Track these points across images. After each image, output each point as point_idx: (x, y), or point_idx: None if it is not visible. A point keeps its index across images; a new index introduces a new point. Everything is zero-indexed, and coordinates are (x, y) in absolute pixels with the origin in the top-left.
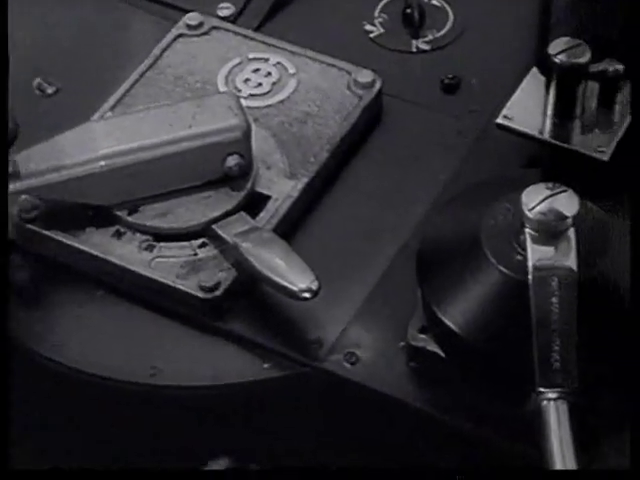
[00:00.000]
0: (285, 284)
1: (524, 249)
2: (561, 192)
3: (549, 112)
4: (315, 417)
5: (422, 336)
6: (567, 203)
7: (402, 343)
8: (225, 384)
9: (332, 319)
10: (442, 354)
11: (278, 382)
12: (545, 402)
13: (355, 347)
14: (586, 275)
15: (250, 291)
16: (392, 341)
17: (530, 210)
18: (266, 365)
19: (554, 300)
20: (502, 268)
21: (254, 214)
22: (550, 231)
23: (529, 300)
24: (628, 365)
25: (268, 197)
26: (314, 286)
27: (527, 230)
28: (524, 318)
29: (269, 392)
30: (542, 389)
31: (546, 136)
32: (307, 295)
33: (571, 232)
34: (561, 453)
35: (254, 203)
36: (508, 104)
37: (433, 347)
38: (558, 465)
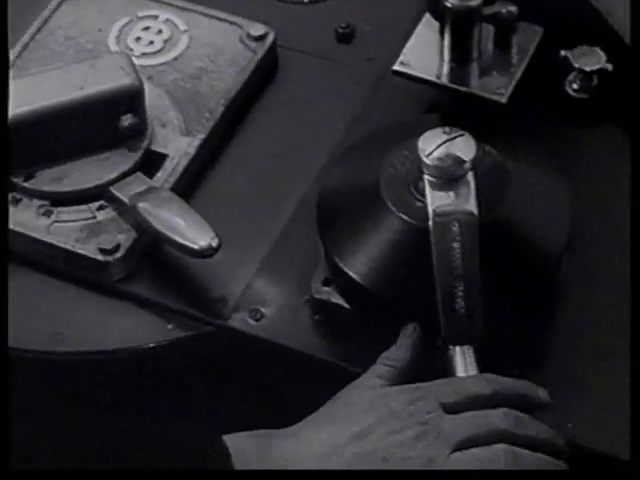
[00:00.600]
0: (185, 243)
1: (424, 196)
2: (458, 136)
3: (445, 57)
4: (223, 375)
5: (326, 288)
6: (464, 147)
7: (306, 297)
8: (130, 347)
9: (235, 276)
10: (346, 305)
11: (184, 342)
12: (451, 348)
13: (259, 303)
14: (486, 218)
15: (151, 252)
16: (296, 295)
17: (427, 156)
18: (170, 326)
19: (456, 245)
20: (402, 215)
21: (151, 174)
22: (448, 176)
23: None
24: (530, 307)
25: (165, 156)
26: (214, 243)
27: (425, 176)
28: (427, 265)
29: (175, 353)
30: (447, 335)
31: (444, 80)
32: (208, 252)
33: (470, 176)
34: None
35: (151, 162)
36: (404, 50)
37: (337, 299)
38: None
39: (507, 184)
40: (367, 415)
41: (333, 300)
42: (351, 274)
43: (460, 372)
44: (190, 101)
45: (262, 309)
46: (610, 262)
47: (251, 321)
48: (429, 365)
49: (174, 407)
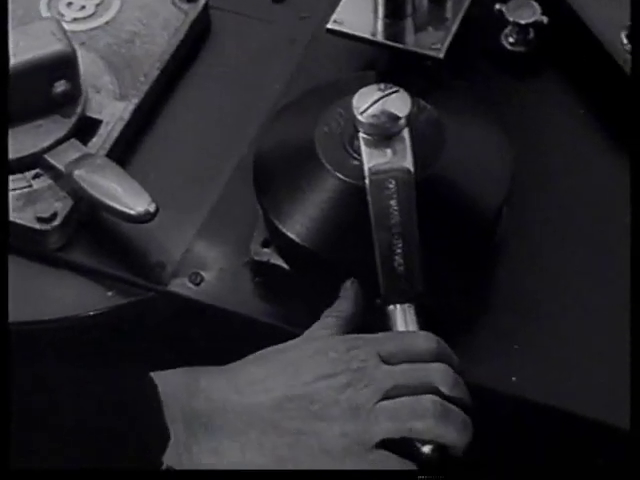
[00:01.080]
0: (122, 209)
1: (359, 154)
2: (393, 93)
3: (380, 13)
4: (165, 340)
5: (265, 250)
6: (399, 103)
7: (246, 259)
8: (71, 316)
9: (174, 241)
10: (286, 266)
11: (124, 309)
12: (391, 307)
13: (199, 267)
14: (423, 175)
15: (89, 219)
16: (236, 258)
17: (361, 113)
18: (110, 293)
19: (392, 203)
20: (338, 174)
21: (86, 140)
22: (383, 133)
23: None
24: (470, 263)
25: (99, 121)
26: (151, 208)
27: (361, 134)
28: (365, 223)
29: (117, 320)
30: (387, 294)
31: (378, 37)
32: (145, 218)
33: (406, 133)
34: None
35: (86, 129)
36: (338, 8)
37: (277, 260)
38: None
39: (443, 139)
40: (303, 360)
41: (273, 261)
42: (289, 235)
43: (400, 330)
44: (124, 66)
45: (202, 273)
46: (549, 215)
47: (191, 285)
48: (370, 324)
49: (117, 375)
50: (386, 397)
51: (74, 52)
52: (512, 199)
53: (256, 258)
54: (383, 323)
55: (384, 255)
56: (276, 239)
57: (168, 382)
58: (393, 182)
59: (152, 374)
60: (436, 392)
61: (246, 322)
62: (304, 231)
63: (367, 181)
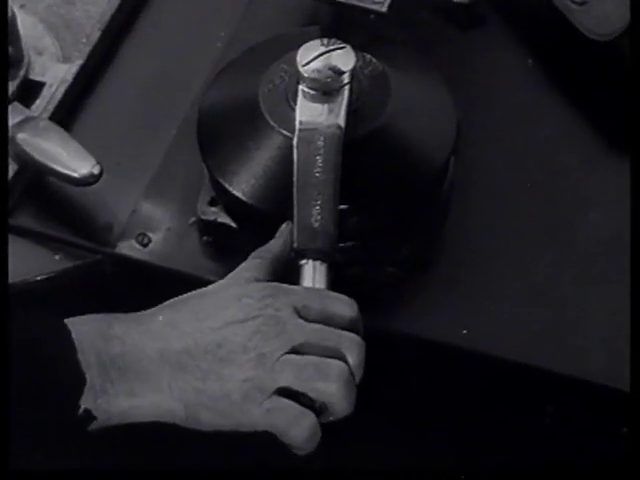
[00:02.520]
0: (66, 172)
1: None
2: (337, 48)
3: None
4: (115, 303)
5: (212, 209)
6: (344, 58)
7: (193, 219)
8: (19, 281)
9: (120, 203)
10: (234, 225)
11: (72, 272)
12: (303, 261)
13: (146, 228)
14: (369, 128)
15: (34, 183)
16: (183, 218)
17: (304, 66)
18: (58, 257)
19: (318, 159)
20: (282, 130)
21: (29, 103)
22: (324, 88)
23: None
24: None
25: (42, 84)
26: (96, 170)
27: (301, 87)
28: None
29: (65, 284)
30: (300, 248)
31: None
32: (90, 180)
33: (346, 90)
34: None
35: (28, 91)
36: None
37: (224, 219)
38: None
39: (389, 93)
40: (217, 306)
41: (220, 220)
42: (236, 193)
43: (307, 285)
44: (65, 27)
45: (149, 234)
46: (496, 166)
47: (138, 246)
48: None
49: (68, 339)
50: (294, 351)
51: (13, 15)
52: (459, 151)
53: (203, 217)
54: (294, 277)
55: (302, 209)
56: (223, 198)
57: (82, 328)
58: (322, 139)
59: (66, 321)
60: (344, 359)
61: (194, 281)
62: (250, 189)
63: (296, 134)
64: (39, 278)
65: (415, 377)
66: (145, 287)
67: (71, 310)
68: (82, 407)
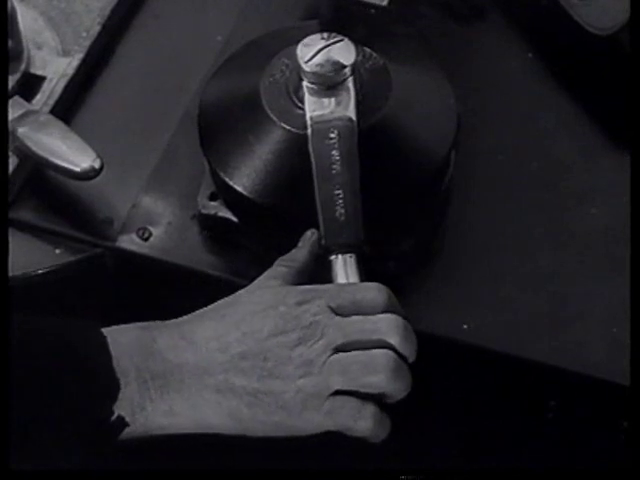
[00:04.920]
0: (67, 166)
1: (304, 103)
2: (337, 42)
3: None
4: (115, 297)
5: (213, 203)
6: (344, 52)
7: (193, 213)
8: (19, 274)
9: (121, 197)
10: (234, 219)
11: (73, 266)
12: (333, 256)
13: (146, 222)
14: (369, 122)
15: (34, 177)
16: (184, 212)
17: (306, 62)
18: (58, 251)
19: (334, 153)
20: (284, 124)
21: (30, 97)
22: (328, 82)
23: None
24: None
25: (43, 78)
26: (96, 164)
27: (305, 83)
28: (308, 172)
29: (65, 278)
30: (328, 243)
31: None
32: (90, 174)
33: (350, 82)
34: None
35: (29, 85)
36: None
37: (225, 213)
38: None
39: (390, 87)
40: (255, 315)
41: (220, 214)
42: (236, 187)
43: (341, 280)
44: (65, 21)
45: (150, 228)
46: (498, 159)
47: (139, 240)
48: (316, 274)
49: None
50: (339, 350)
51: (14, 9)
52: (460, 144)
53: (204, 211)
54: (324, 273)
55: (325, 205)
56: (223, 192)
57: (121, 339)
58: (335, 132)
59: (104, 330)
60: (387, 344)
61: (195, 275)
62: (251, 183)
63: (309, 130)
64: (39, 272)
65: (415, 372)
66: (145, 281)
67: (71, 304)
68: (116, 413)
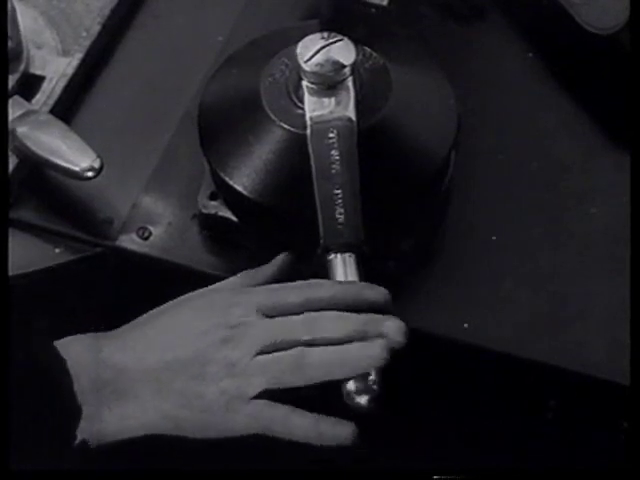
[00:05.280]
0: (66, 165)
1: (304, 103)
2: (337, 41)
3: None
4: (114, 298)
5: (213, 203)
6: (344, 52)
7: (194, 212)
8: (19, 273)
9: (121, 196)
10: (234, 219)
11: (73, 266)
12: (332, 256)
13: (147, 222)
14: (369, 122)
15: (34, 176)
16: (184, 212)
17: (306, 62)
18: (58, 250)
19: (334, 153)
20: (283, 124)
21: (30, 97)
22: (328, 82)
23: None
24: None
25: (42, 77)
26: (96, 164)
27: (305, 83)
28: (308, 172)
29: (65, 277)
30: (327, 243)
31: None
32: (90, 174)
33: (349, 82)
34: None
35: (29, 85)
36: None
37: (225, 213)
38: None
39: (390, 87)
40: (191, 318)
41: (221, 214)
42: (236, 187)
43: (341, 279)
44: (65, 21)
45: (150, 227)
46: (498, 159)
47: (139, 240)
48: (310, 274)
49: (66, 333)
50: (263, 352)
51: (13, 8)
52: (460, 144)
53: (204, 211)
54: (324, 272)
55: (325, 204)
56: (223, 192)
57: (74, 353)
58: (334, 132)
59: (56, 343)
60: (301, 342)
61: (195, 275)
62: (251, 183)
63: (308, 130)
64: (39, 271)
65: (415, 371)
66: (146, 281)
67: (71, 303)
68: (79, 438)
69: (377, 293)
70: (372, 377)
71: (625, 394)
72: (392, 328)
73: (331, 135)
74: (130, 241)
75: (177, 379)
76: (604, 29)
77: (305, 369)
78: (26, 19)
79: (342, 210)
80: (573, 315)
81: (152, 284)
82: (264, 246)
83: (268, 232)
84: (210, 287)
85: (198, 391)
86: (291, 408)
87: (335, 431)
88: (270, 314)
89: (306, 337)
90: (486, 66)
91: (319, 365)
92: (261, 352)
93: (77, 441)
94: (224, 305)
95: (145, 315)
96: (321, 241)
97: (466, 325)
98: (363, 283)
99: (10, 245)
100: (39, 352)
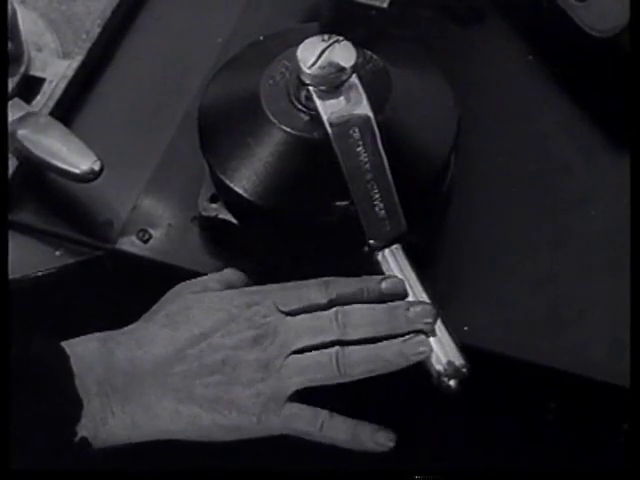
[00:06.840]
0: (67, 168)
1: (305, 105)
2: (336, 42)
3: None
4: (115, 300)
5: (213, 205)
6: (344, 54)
7: (194, 215)
8: (19, 276)
9: (121, 199)
10: (234, 221)
11: (73, 268)
12: (380, 252)
13: (147, 224)
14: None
15: (34, 179)
16: (184, 214)
17: (307, 66)
18: (58, 253)
19: (360, 149)
20: (284, 127)
21: (30, 99)
22: (331, 84)
23: (317, 157)
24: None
25: (43, 80)
26: (96, 167)
27: (311, 87)
28: (311, 175)
29: (65, 280)
30: (373, 239)
31: None
32: (90, 176)
33: (355, 79)
34: (413, 293)
35: (29, 87)
36: None
37: (225, 215)
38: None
39: (390, 89)
40: (207, 319)
41: (221, 216)
42: (236, 189)
43: (397, 274)
44: (66, 23)
45: (150, 230)
46: (498, 161)
47: (139, 242)
48: (356, 273)
49: (67, 335)
50: (294, 352)
51: (14, 11)
52: (460, 147)
53: (204, 213)
54: (374, 270)
55: (363, 202)
56: (223, 194)
57: (83, 352)
58: (356, 129)
59: (64, 343)
60: (336, 338)
61: (195, 277)
62: (251, 185)
63: (330, 133)
64: (39, 274)
65: (415, 372)
66: (146, 283)
67: (71, 306)
68: (79, 435)
69: (392, 282)
70: (460, 362)
71: (625, 396)
72: (419, 313)
73: (353, 133)
74: (130, 243)
75: (206, 384)
76: (603, 31)
77: (343, 368)
78: (26, 21)
79: (381, 205)
80: (573, 317)
81: (152, 286)
82: (264, 248)
83: (268, 235)
84: (201, 283)
85: (232, 395)
86: (330, 412)
87: (375, 437)
88: (291, 312)
89: (338, 332)
90: (486, 68)
91: (358, 363)
92: (293, 352)
93: (77, 439)
94: (243, 305)
95: (151, 314)
96: (367, 239)
97: (466, 328)
98: (379, 276)
99: (10, 248)
100: (39, 354)
